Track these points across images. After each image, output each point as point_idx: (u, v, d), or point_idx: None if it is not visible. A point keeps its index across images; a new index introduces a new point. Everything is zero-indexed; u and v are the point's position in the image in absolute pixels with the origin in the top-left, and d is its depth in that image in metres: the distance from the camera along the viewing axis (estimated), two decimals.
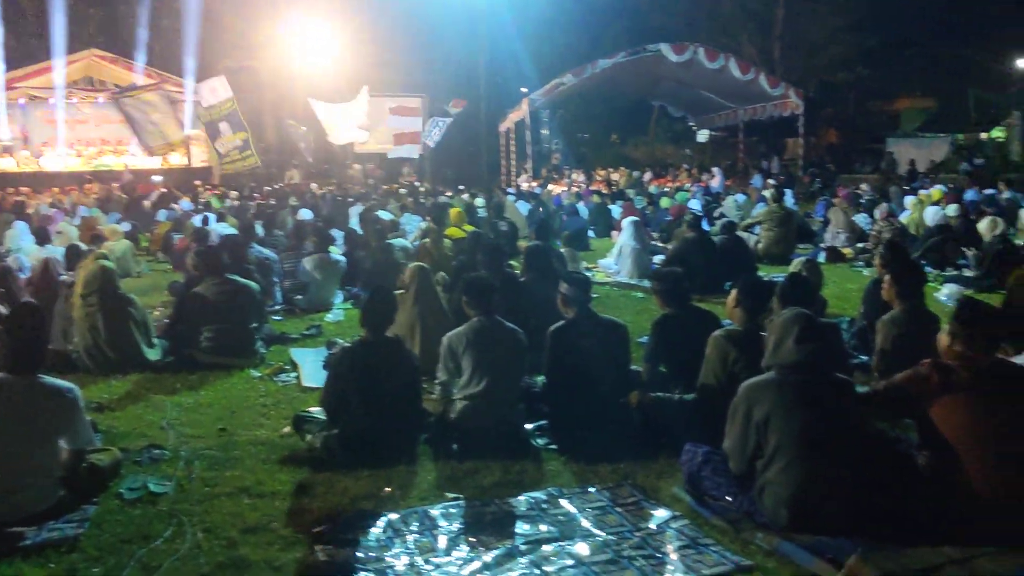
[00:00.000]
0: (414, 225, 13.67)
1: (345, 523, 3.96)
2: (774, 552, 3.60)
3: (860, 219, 14.67)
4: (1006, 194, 17.36)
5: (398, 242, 10.63)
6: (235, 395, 6.30)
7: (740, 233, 12.28)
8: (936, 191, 16.57)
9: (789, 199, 17.59)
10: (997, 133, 35.13)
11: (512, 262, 9.24)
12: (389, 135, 31.97)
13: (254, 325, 7.33)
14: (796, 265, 6.89)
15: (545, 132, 35.78)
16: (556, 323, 5.28)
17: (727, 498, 4.00)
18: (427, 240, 10.17)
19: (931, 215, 13.02)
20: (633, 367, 5.60)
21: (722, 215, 15.76)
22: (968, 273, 10.65)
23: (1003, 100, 34.26)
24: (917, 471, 3.85)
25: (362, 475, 4.55)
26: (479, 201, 18.46)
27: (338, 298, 9.65)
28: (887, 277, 5.93)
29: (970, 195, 16.65)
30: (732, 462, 4.01)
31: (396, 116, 27.32)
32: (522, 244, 11.77)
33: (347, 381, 4.82)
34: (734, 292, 4.91)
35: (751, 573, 3.42)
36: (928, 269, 11.15)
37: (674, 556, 3.58)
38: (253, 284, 7.50)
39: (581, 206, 18.34)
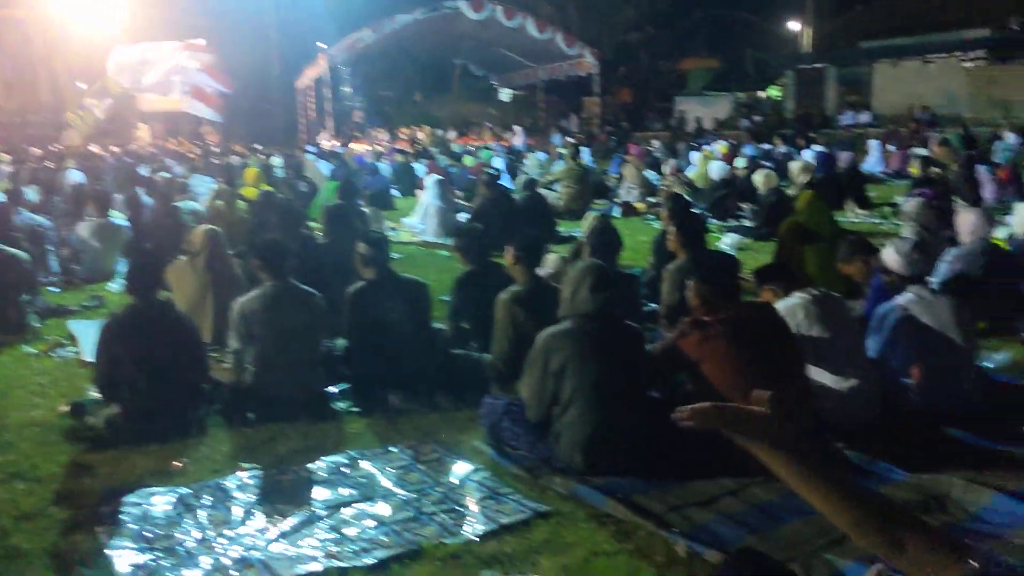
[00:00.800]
0: (206, 187, 13.01)
1: (130, 502, 3.74)
2: (570, 496, 3.72)
3: (651, 175, 15.35)
4: (781, 148, 18.68)
5: (187, 205, 10.08)
6: (6, 374, 5.80)
7: (540, 190, 12.55)
8: (721, 146, 17.58)
9: (586, 157, 18.14)
10: (773, 92, 37.71)
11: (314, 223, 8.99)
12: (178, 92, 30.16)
13: (25, 297, 6.75)
14: (589, 219, 7.11)
15: (346, 89, 34.95)
16: (355, 284, 5.19)
17: (526, 447, 4.09)
18: (219, 202, 9.71)
19: (715, 170, 13.78)
20: (438, 325, 5.62)
21: (524, 173, 16.03)
22: (747, 224, 11.38)
23: (778, 61, 36.81)
24: None
25: (150, 451, 4.31)
26: (276, 160, 17.84)
27: (122, 266, 9.04)
28: (671, 228, 6.23)
29: (749, 150, 17.80)
30: (530, 410, 4.10)
31: (204, 75, 25.76)
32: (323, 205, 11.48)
33: (119, 352, 4.52)
34: (511, 250, 5.00)
35: (548, 518, 3.51)
36: (713, 221, 11.85)
37: (474, 508, 3.62)
38: (21, 253, 6.90)
39: (384, 165, 18.11)
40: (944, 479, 3.76)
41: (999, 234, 7.60)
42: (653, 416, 4.06)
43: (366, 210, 10.15)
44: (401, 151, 20.37)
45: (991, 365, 5.28)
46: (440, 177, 12.68)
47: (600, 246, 5.79)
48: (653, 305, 6.64)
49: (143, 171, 14.96)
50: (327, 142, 26.14)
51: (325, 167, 16.84)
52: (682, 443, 4.03)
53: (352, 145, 25.46)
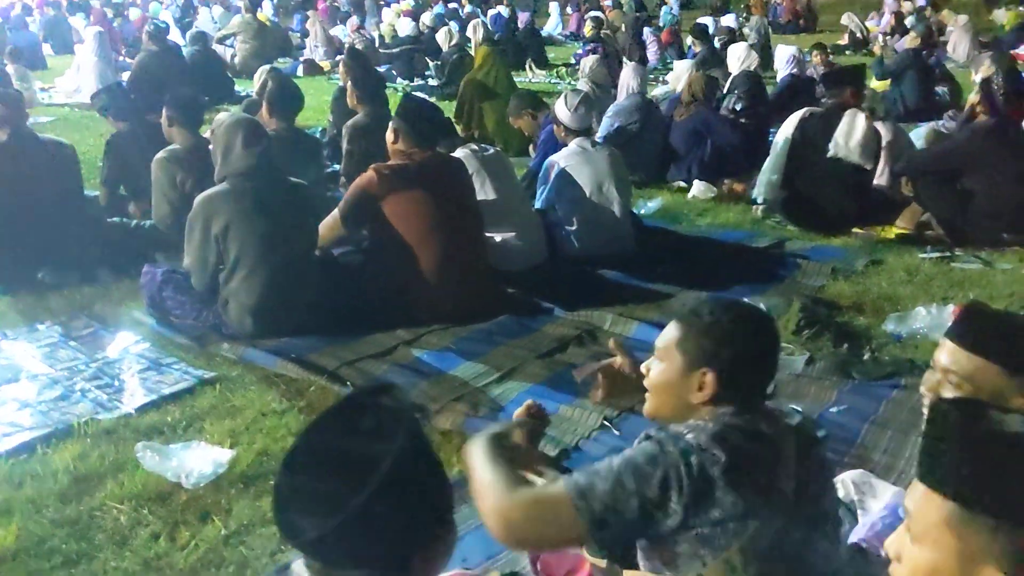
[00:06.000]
0: None
1: None
2: (240, 360, 3.61)
3: (338, 31, 14.83)
4: (468, 8, 18.78)
5: None
6: None
7: (216, 46, 11.73)
8: (406, 3, 17.32)
9: (269, 11, 17.13)
10: None
11: None
12: None
13: None
14: (260, 74, 6.73)
15: None
16: None
17: (192, 315, 3.89)
18: None
19: (404, 26, 13.60)
20: (92, 192, 5.15)
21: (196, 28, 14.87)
22: (433, 82, 11.40)
23: None
24: (371, 267, 4.08)
25: None
26: None
27: None
28: (349, 84, 6.06)
29: (439, 9, 17.71)
30: (194, 278, 3.88)
31: None
32: None
33: None
34: (164, 112, 4.67)
35: (215, 384, 3.38)
36: (399, 80, 11.75)
37: (133, 380, 3.41)
38: None
39: (33, 19, 16.02)
40: (597, 314, 4.10)
41: (656, 92, 8.22)
42: (326, 272, 4.02)
43: (9, 69, 8.96)
44: (54, 3, 18.04)
45: (643, 211, 5.75)
46: (101, 31, 11.44)
47: (279, 103, 5.44)
48: (336, 166, 6.50)
49: None
50: None
51: None
52: (357, 298, 4.05)
53: None
